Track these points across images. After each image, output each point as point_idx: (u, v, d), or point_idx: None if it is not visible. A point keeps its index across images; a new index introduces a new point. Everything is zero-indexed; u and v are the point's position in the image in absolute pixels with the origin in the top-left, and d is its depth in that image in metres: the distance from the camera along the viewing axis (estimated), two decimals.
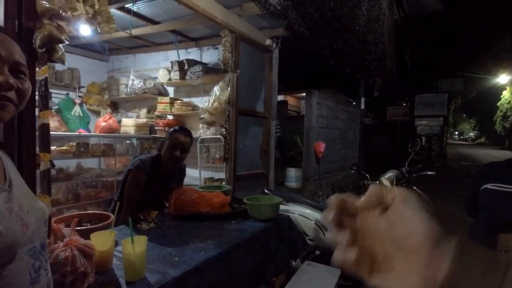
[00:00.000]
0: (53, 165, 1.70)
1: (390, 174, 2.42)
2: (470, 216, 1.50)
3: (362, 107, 5.20)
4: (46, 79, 0.93)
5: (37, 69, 0.90)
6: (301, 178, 4.38)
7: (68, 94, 4.14)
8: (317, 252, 2.41)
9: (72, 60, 4.25)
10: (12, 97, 0.62)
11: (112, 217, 1.30)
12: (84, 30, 1.92)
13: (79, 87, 4.31)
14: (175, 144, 1.75)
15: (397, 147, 10.36)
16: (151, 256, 1.20)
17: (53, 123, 3.63)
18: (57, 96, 4.05)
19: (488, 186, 1.34)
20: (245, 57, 2.90)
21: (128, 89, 4.03)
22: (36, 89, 0.93)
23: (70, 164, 3.41)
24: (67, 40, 0.98)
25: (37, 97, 0.95)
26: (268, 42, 3.20)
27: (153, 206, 1.85)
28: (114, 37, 3.60)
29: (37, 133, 0.95)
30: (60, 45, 0.92)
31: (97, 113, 4.43)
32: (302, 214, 2.49)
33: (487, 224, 1.30)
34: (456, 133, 45.87)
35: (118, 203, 1.90)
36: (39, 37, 0.82)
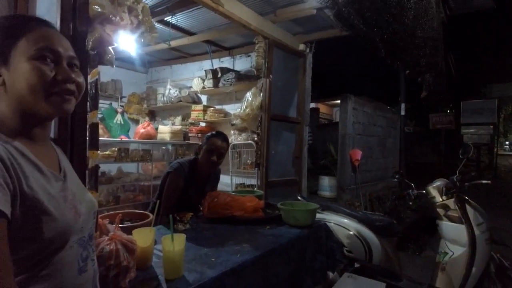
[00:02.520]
0: (98, 167, 1.79)
1: (438, 183, 2.22)
2: None
3: (403, 113, 4.91)
4: (96, 81, 0.99)
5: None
6: (336, 187, 4.20)
7: (111, 103, 4.46)
8: (356, 265, 2.26)
9: (115, 73, 4.59)
10: (74, 90, 0.66)
11: (152, 216, 1.33)
12: (127, 44, 2.05)
13: (121, 97, 4.62)
14: (212, 149, 1.77)
15: (441, 157, 9.59)
16: (188, 255, 1.20)
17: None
18: (101, 105, 4.38)
19: None
20: (278, 62, 2.90)
21: (165, 98, 4.23)
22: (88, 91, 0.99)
23: (111, 169, 3.63)
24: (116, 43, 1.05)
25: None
26: (301, 47, 3.18)
27: (189, 209, 1.88)
28: (153, 50, 3.84)
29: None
30: (110, 48, 0.98)
31: (137, 121, 4.70)
32: (339, 223, 2.37)
33: None
34: (507, 143, 41.51)
35: (157, 203, 1.97)
36: (91, 40, 0.87)
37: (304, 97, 3.28)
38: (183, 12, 2.68)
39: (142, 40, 1.77)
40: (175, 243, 1.02)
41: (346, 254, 2.20)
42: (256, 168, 2.97)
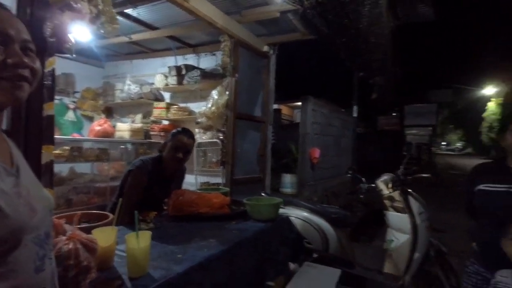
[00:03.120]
0: (53, 163, 1.65)
1: (385, 177, 2.46)
2: (472, 218, 1.53)
3: (355, 114, 5.30)
4: (53, 71, 0.93)
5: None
6: (297, 184, 4.39)
7: (62, 99, 4.09)
8: (315, 255, 2.40)
9: (67, 66, 4.22)
10: (27, 75, 0.61)
11: (111, 216, 1.28)
12: (83, 35, 1.92)
13: (74, 93, 4.27)
14: (178, 146, 1.75)
15: (387, 156, 10.51)
16: (153, 254, 1.18)
17: None
18: None
19: (481, 187, 1.39)
20: (243, 62, 2.94)
21: (124, 94, 4.02)
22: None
23: (63, 169, 3.34)
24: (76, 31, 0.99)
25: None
26: (266, 48, 3.27)
27: (153, 208, 1.83)
28: (111, 43, 3.62)
29: None
30: (70, 36, 0.93)
31: (91, 119, 4.38)
32: (300, 217, 2.49)
33: (491, 221, 1.33)
34: (444, 143, 46.91)
35: (119, 202, 1.87)
36: (50, 27, 0.82)
37: (268, 97, 3.37)
38: (146, 5, 2.59)
39: (102, 31, 1.68)
40: (140, 240, 1.01)
41: (306, 245, 2.34)
42: (221, 167, 2.98)
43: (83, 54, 4.20)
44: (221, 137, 2.93)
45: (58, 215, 1.25)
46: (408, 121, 10.36)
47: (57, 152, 3.06)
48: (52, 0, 0.82)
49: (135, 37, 3.21)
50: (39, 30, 0.80)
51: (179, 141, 1.74)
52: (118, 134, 3.77)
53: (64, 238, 0.93)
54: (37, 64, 0.64)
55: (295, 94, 6.04)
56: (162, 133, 3.65)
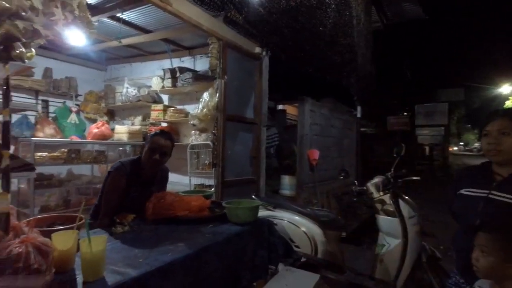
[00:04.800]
0: (32, 169, 1.71)
1: (376, 180, 2.39)
2: (457, 222, 1.46)
3: (359, 115, 5.19)
4: (7, 78, 0.95)
5: None
6: (296, 186, 4.34)
7: (65, 102, 4.23)
8: (303, 259, 2.36)
9: (70, 69, 4.36)
10: None
11: (79, 217, 1.29)
12: (79, 39, 1.97)
13: (76, 96, 4.39)
14: (155, 148, 1.75)
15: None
16: (116, 258, 1.19)
17: (49, 130, 3.69)
18: (54, 104, 4.14)
19: (462, 191, 1.32)
20: (233, 64, 2.93)
21: (123, 97, 4.10)
22: None
23: (61, 171, 3.44)
24: (29, 38, 1.01)
25: None
26: (257, 50, 3.25)
27: (133, 210, 1.84)
28: (109, 46, 3.70)
29: None
30: (19, 43, 0.95)
31: (94, 121, 4.49)
32: (289, 220, 2.46)
33: (468, 228, 1.26)
34: (461, 143, 45.23)
35: (98, 206, 1.90)
36: None
37: (261, 99, 3.35)
38: (134, 9, 2.63)
39: (79, 36, 1.72)
40: (92, 245, 1.01)
41: (295, 249, 2.29)
42: (213, 168, 2.98)
43: (83, 58, 4.32)
44: (213, 139, 2.93)
45: (31, 218, 1.29)
46: (418, 121, 10.05)
47: (55, 154, 3.16)
48: None
49: (129, 40, 3.26)
50: None
51: (156, 143, 1.74)
52: (116, 136, 3.85)
53: (16, 241, 0.96)
54: None
55: (300, 94, 5.99)
56: None
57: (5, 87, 0.95)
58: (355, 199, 2.52)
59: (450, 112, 10.95)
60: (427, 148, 11.97)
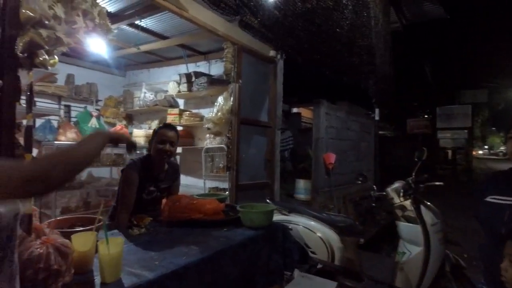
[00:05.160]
0: None
1: (397, 185, 2.31)
2: (483, 230, 1.38)
3: (377, 118, 5.06)
4: (31, 84, 0.99)
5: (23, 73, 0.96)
6: (311, 190, 4.27)
7: (86, 107, 4.39)
8: (319, 266, 2.30)
9: (91, 75, 4.54)
10: None
11: (97, 219, 1.32)
12: (99, 46, 2.04)
13: (97, 101, 4.55)
14: (164, 140, 1.83)
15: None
16: (132, 259, 1.20)
17: (71, 134, 3.84)
18: (75, 109, 4.30)
19: (488, 199, 1.24)
20: (248, 68, 2.94)
21: (141, 102, 4.21)
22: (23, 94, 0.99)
23: (82, 173, 3.56)
24: (52, 46, 1.05)
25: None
26: (272, 53, 3.24)
27: (152, 206, 1.89)
28: (129, 53, 3.82)
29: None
30: (43, 50, 0.99)
31: (113, 125, 4.63)
32: (305, 225, 2.41)
33: (494, 238, 1.19)
34: (486, 147, 43.13)
35: (115, 208, 1.95)
36: (21, 44, 0.88)
37: (275, 102, 3.34)
38: (152, 16, 2.69)
39: (100, 43, 1.78)
40: (110, 247, 1.03)
41: (311, 255, 2.25)
42: (227, 172, 2.99)
43: (103, 64, 4.48)
44: (227, 143, 2.94)
45: (52, 220, 1.33)
46: (440, 124, 9.67)
47: None
48: (24, 18, 0.88)
49: (147, 47, 3.35)
50: (11, 48, 0.86)
51: (164, 135, 1.82)
52: (134, 139, 3.95)
53: (37, 242, 0.99)
54: None
55: (316, 97, 5.92)
56: None
57: (28, 93, 0.98)
58: (373, 204, 2.44)
59: (474, 114, 10.49)
60: (449, 152, 11.51)
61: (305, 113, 9.82)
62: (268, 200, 2.70)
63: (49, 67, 1.02)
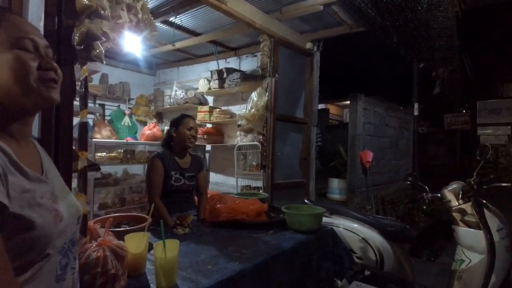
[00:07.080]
0: (98, 169, 1.77)
1: (454, 186, 2.08)
2: None
3: (416, 113, 4.73)
4: (86, 79, 0.94)
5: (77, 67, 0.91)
6: (346, 190, 4.07)
7: (119, 106, 4.49)
8: (367, 273, 2.14)
9: (123, 75, 4.63)
10: (55, 77, 0.63)
11: (149, 219, 1.27)
12: (135, 45, 2.03)
13: (129, 100, 4.64)
14: (190, 127, 1.91)
15: (457, 159, 9.24)
16: (184, 262, 1.14)
17: (106, 132, 3.93)
18: (109, 108, 4.41)
19: None
20: (284, 61, 2.82)
21: (171, 100, 4.22)
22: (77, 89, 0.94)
23: (118, 170, 3.63)
24: (105, 37, 1.00)
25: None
26: (308, 45, 3.09)
27: (183, 194, 1.94)
28: (159, 51, 3.83)
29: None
30: (99, 42, 0.93)
31: (144, 123, 4.71)
32: (348, 228, 2.26)
33: None
34: None
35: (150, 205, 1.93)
36: (77, 34, 0.83)
37: (311, 97, 3.18)
38: (188, 12, 2.64)
39: (142, 39, 1.73)
40: (167, 250, 0.96)
41: (356, 261, 2.10)
42: (261, 170, 2.90)
43: (135, 63, 4.55)
44: (261, 140, 2.84)
45: (97, 219, 1.30)
46: (481, 119, 8.94)
47: (113, 155, 3.34)
48: (79, 8, 0.83)
49: (180, 44, 3.33)
50: (68, 39, 0.81)
51: (188, 123, 1.92)
52: None
53: (94, 244, 0.94)
54: (59, 68, 0.65)
55: (345, 92, 5.67)
56: (205, 136, 3.73)
57: (83, 89, 0.93)
58: (425, 207, 2.24)
59: None
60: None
61: (333, 109, 9.53)
62: (306, 201, 2.57)
63: (104, 61, 0.97)
